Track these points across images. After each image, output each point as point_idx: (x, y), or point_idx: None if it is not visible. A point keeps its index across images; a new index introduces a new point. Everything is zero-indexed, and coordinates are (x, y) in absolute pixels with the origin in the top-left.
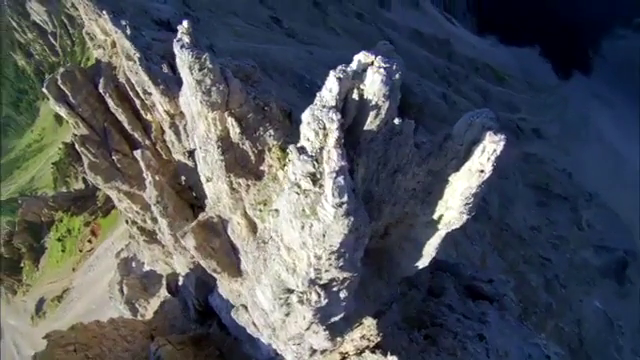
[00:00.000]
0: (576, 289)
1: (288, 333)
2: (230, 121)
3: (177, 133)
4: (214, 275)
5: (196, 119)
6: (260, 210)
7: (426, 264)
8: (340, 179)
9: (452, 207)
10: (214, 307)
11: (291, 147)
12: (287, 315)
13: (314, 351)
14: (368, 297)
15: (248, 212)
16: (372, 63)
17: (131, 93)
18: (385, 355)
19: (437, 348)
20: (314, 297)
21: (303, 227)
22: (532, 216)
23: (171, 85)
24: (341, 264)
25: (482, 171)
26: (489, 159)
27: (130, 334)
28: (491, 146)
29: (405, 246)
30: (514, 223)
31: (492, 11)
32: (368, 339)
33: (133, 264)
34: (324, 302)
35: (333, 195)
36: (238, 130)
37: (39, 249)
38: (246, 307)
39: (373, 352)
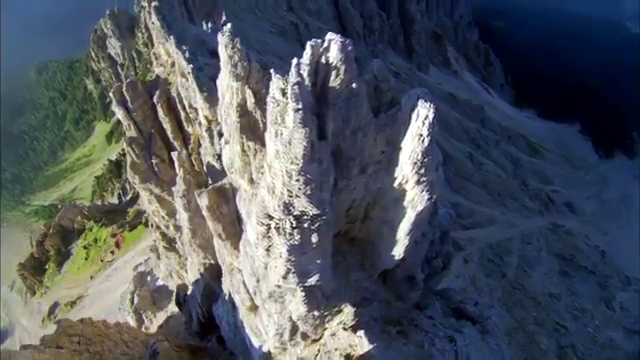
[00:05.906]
0: None
1: (269, 285)
2: (248, 92)
3: (211, 137)
4: (219, 242)
5: (225, 93)
6: (262, 173)
7: (402, 254)
8: (296, 88)
9: (407, 175)
10: (216, 317)
11: (272, 70)
12: (268, 250)
13: (295, 329)
14: (349, 284)
15: (253, 176)
16: (334, 39)
17: (179, 106)
18: (355, 332)
19: (406, 340)
20: (288, 226)
21: (276, 134)
22: (553, 284)
23: (213, 94)
24: (309, 192)
25: (421, 135)
26: (424, 123)
27: (131, 340)
28: (423, 111)
29: (384, 231)
30: (530, 285)
31: (530, 86)
32: (344, 324)
33: (148, 278)
34: (297, 237)
35: (291, 99)
36: (253, 100)
37: (65, 254)
38: (240, 270)
39: (345, 330)
